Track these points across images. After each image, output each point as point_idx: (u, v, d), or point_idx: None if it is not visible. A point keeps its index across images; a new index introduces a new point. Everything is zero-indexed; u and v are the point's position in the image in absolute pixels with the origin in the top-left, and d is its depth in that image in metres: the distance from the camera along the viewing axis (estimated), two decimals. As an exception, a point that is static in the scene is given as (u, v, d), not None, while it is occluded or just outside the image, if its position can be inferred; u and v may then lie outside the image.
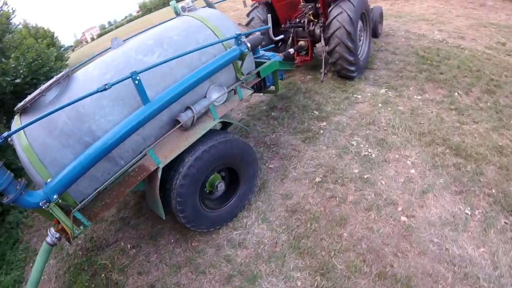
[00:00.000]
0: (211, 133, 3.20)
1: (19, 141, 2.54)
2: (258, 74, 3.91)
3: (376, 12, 7.02)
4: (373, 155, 4.11)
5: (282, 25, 5.96)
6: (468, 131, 4.39)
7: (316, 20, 5.76)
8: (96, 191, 2.58)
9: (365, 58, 5.89)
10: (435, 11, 9.17)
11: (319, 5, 5.71)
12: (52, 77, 3.08)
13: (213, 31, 3.40)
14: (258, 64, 4.05)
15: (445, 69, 5.84)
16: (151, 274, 3.28)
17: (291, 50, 5.48)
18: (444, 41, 7.00)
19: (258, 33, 3.93)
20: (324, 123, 4.77)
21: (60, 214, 2.45)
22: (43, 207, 2.32)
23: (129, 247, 3.60)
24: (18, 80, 5.66)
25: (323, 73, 5.53)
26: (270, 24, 3.97)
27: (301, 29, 5.85)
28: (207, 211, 3.38)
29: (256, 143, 4.68)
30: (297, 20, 5.94)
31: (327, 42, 5.34)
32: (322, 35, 5.56)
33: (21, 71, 5.79)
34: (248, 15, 6.15)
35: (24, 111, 2.67)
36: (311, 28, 5.73)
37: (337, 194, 3.70)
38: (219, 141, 3.17)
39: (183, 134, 3.03)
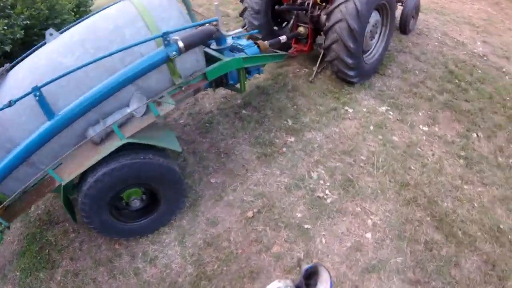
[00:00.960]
0: (122, 151, 2.69)
1: None
2: (205, 76, 3.04)
3: (410, 3, 5.50)
4: (329, 200, 3.22)
5: (276, 7, 4.72)
6: (467, 197, 3.31)
7: (323, 4, 4.50)
8: (13, 195, 2.64)
9: (376, 61, 4.65)
10: (485, 16, 7.16)
11: None
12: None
13: (146, 24, 2.71)
14: (215, 60, 3.23)
15: (473, 95, 4.51)
16: (79, 262, 3.28)
17: (282, 38, 4.38)
18: (485, 57, 5.45)
19: (207, 25, 2.98)
20: (292, 139, 3.84)
21: None
22: None
23: (70, 230, 3.53)
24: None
25: (315, 71, 4.41)
26: (219, 16, 3.01)
27: (303, 12, 4.64)
28: (120, 222, 3.13)
29: (210, 146, 3.89)
30: (300, 0, 4.71)
31: (325, 34, 4.17)
32: (327, 22, 4.37)
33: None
34: (241, 0, 5.09)
35: None
36: (315, 13, 4.50)
37: (263, 239, 2.99)
38: (124, 163, 2.66)
39: (92, 150, 2.67)
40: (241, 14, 5.11)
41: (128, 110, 2.67)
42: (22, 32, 5.10)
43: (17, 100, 2.29)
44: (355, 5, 3.85)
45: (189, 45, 2.69)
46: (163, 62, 2.68)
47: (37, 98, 2.33)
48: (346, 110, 4.20)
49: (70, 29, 3.00)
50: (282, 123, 4.02)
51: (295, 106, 4.25)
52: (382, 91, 4.53)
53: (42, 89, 2.33)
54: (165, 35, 2.55)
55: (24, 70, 2.72)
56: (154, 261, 3.10)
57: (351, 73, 4.30)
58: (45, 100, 2.39)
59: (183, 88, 2.98)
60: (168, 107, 2.76)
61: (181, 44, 2.61)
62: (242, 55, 3.56)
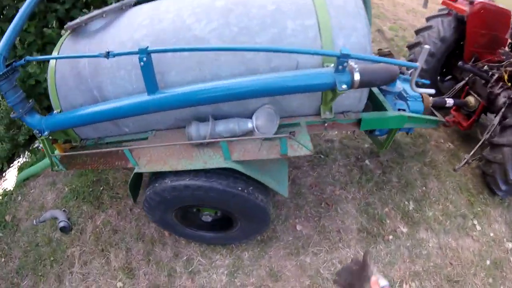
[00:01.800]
0: (218, 169, 2.12)
1: (50, 62, 2.34)
2: (358, 121, 2.27)
3: None
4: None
5: (459, 63, 3.63)
6: None
7: (509, 84, 3.40)
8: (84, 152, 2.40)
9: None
10: None
11: None
12: None
13: (318, 26, 1.97)
14: (376, 105, 2.54)
15: None
16: (123, 222, 3.17)
17: (449, 102, 3.39)
18: None
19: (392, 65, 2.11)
20: (405, 229, 3.11)
21: (46, 147, 2.32)
22: (34, 134, 2.25)
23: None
24: None
25: (465, 161, 3.47)
26: (421, 63, 2.05)
27: (481, 81, 3.56)
28: (181, 225, 2.76)
29: (313, 184, 3.22)
30: (485, 66, 3.59)
31: (504, 128, 3.20)
32: (503, 110, 3.35)
33: None
34: (427, 20, 4.05)
35: (74, 30, 2.34)
36: (496, 90, 3.43)
37: None
38: (215, 187, 2.09)
39: (186, 150, 2.14)
40: (410, 48, 4.06)
41: (249, 125, 2.01)
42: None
43: (117, 55, 1.78)
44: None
45: (366, 84, 1.88)
46: (324, 89, 1.91)
47: (142, 63, 1.76)
48: (474, 225, 3.38)
49: None
50: (403, 203, 3.26)
51: (424, 188, 3.43)
52: (520, 217, 3.64)
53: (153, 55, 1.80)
54: (343, 58, 1.73)
55: (144, 16, 2.19)
56: (194, 274, 2.81)
57: (503, 187, 3.39)
58: (151, 68, 1.81)
59: (326, 124, 2.25)
60: (301, 150, 2.01)
61: (357, 77, 1.79)
62: (404, 109, 2.72)
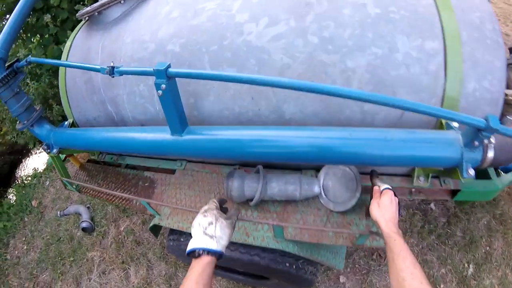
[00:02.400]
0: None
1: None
2: (452, 192, 1.69)
3: None
4: None
5: None
6: None
7: None
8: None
9: None
10: None
11: None
12: None
13: (445, 53, 1.24)
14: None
15: None
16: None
17: None
18: None
19: None
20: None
21: (57, 165, 1.93)
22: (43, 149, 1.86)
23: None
24: None
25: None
26: None
27: None
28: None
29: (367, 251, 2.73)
30: None
31: None
32: None
33: None
34: None
35: (90, 18, 1.87)
36: None
37: None
38: (255, 261, 1.60)
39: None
40: None
41: (316, 190, 1.44)
42: None
43: (125, 73, 1.21)
44: None
45: (496, 164, 1.29)
46: (441, 166, 1.33)
47: (160, 92, 1.09)
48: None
49: None
50: (462, 264, 2.74)
51: (488, 248, 2.88)
52: None
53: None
54: (488, 132, 1.03)
55: (175, 3, 1.58)
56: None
57: None
58: (176, 97, 1.16)
59: (413, 190, 1.69)
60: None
61: (490, 156, 1.21)
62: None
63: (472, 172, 1.18)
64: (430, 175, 1.55)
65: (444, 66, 1.24)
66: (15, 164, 4.82)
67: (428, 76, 1.24)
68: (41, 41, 3.50)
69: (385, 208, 1.16)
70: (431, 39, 1.25)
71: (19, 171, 4.74)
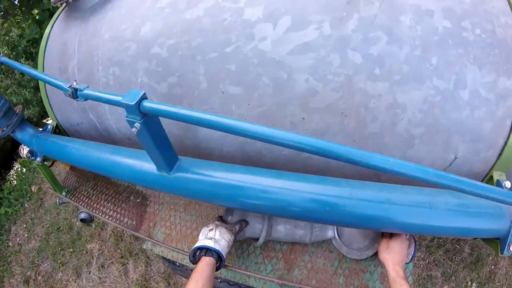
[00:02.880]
0: None
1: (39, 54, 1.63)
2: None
3: None
4: None
5: None
6: None
7: None
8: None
9: None
10: None
11: None
12: None
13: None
14: None
15: None
16: None
17: None
18: None
19: None
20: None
21: (45, 175, 1.73)
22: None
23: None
24: None
25: None
26: None
27: None
28: None
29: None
30: None
31: None
32: None
33: None
34: None
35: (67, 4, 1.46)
36: None
37: None
38: None
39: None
40: None
41: (330, 234, 1.27)
42: None
43: (89, 98, 0.93)
44: None
45: None
46: (482, 237, 1.06)
47: (135, 130, 0.82)
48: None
49: None
50: (466, 282, 2.65)
51: (493, 267, 2.75)
52: None
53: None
54: None
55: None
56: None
57: None
58: (159, 131, 0.89)
59: None
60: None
61: None
62: None
63: None
64: None
65: None
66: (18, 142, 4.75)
67: (492, 123, 0.95)
68: (36, 17, 3.31)
69: (394, 250, 1.06)
70: (506, 75, 0.93)
71: (22, 149, 4.68)
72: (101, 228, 3.06)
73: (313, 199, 0.91)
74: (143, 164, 1.05)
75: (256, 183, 0.94)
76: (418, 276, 2.59)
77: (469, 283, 2.70)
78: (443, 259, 2.69)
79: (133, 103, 0.76)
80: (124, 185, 1.79)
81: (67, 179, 1.98)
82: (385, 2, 0.93)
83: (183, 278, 2.64)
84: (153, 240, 1.51)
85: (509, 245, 0.98)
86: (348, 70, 0.92)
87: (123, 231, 2.97)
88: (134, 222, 1.63)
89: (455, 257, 2.71)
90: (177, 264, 1.63)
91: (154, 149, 0.91)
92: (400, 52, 0.90)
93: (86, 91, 0.93)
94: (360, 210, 0.91)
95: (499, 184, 1.02)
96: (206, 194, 1.01)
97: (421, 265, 2.64)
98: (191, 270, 1.26)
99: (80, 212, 3.07)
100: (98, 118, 1.41)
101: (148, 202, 1.66)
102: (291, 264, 1.33)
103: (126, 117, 0.81)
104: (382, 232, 1.16)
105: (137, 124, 0.80)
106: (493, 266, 2.83)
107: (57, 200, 3.30)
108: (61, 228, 3.18)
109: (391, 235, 1.12)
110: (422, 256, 2.67)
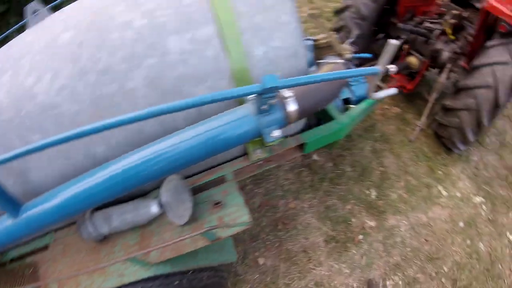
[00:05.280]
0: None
1: None
2: (300, 146, 1.75)
3: None
4: None
5: (400, 25, 3.21)
6: None
7: (453, 37, 3.11)
8: None
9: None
10: None
11: (475, 23, 3.01)
12: None
13: (221, 34, 1.29)
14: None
15: None
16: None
17: (392, 68, 3.00)
18: None
19: (339, 65, 1.61)
20: (373, 223, 2.77)
21: None
22: None
23: None
24: None
25: (418, 128, 3.16)
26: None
27: (422, 38, 3.22)
28: None
29: (263, 203, 2.73)
30: (424, 22, 3.24)
31: (457, 91, 2.89)
32: (449, 64, 3.07)
33: None
34: None
35: None
36: (439, 45, 3.12)
37: None
38: None
39: (89, 255, 1.50)
40: (338, 12, 3.51)
41: (153, 210, 1.40)
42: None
43: None
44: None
45: (307, 113, 1.33)
46: (245, 142, 1.29)
47: None
48: (439, 191, 3.13)
49: (69, 8, 1.53)
50: (363, 193, 2.90)
51: (381, 169, 3.10)
52: (478, 169, 3.45)
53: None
54: (268, 93, 1.06)
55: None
56: None
57: (462, 146, 3.16)
58: None
59: (259, 163, 1.72)
60: (236, 227, 1.38)
61: (293, 109, 1.23)
62: (349, 97, 2.28)
63: (277, 133, 1.21)
64: (262, 144, 1.55)
65: (222, 47, 1.25)
66: None
67: (208, 61, 1.25)
68: None
69: None
70: (203, 26, 1.25)
71: None
72: None
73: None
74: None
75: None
76: (318, 213, 2.73)
77: (367, 191, 2.94)
78: (331, 187, 2.89)
79: None
80: (18, 265, 1.65)
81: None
82: (100, 32, 1.27)
83: None
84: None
85: (270, 133, 1.21)
86: (91, 89, 1.25)
87: None
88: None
89: (341, 181, 2.94)
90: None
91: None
92: (116, 57, 1.24)
93: None
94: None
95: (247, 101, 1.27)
96: (48, 218, 1.16)
97: (315, 204, 2.78)
98: None
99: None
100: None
101: (38, 267, 1.57)
102: (147, 249, 1.36)
103: None
104: None
105: None
106: (381, 168, 3.13)
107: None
108: None
109: None
110: (313, 196, 2.82)
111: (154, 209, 1.39)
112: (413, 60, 3.29)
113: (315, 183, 2.86)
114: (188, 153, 1.16)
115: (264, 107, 1.18)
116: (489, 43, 2.72)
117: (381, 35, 3.80)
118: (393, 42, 1.25)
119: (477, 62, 2.74)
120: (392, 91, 1.56)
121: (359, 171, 3.01)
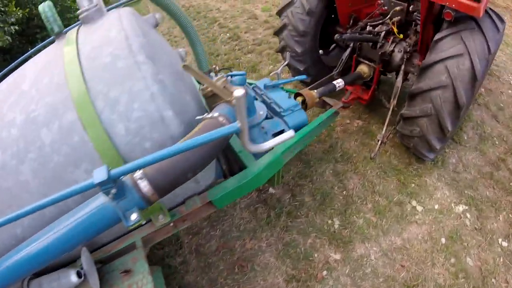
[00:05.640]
0: None
1: None
2: (209, 203, 1.63)
3: None
4: None
5: (337, 36, 2.77)
6: None
7: (400, 35, 2.89)
8: None
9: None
10: None
11: (419, 14, 2.78)
12: None
13: (80, 119, 1.28)
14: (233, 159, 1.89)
15: None
16: None
17: (338, 83, 2.82)
18: None
19: (214, 120, 1.40)
20: (338, 256, 2.54)
21: None
22: None
23: None
24: None
25: (379, 142, 2.91)
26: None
27: (369, 44, 3.00)
28: None
29: (219, 246, 2.58)
30: (368, 25, 3.03)
31: (412, 97, 2.66)
32: (403, 66, 2.85)
33: None
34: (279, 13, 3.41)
35: None
36: (388, 47, 2.90)
37: None
38: None
39: None
40: (277, 33, 3.39)
41: (73, 280, 1.37)
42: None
43: None
44: (472, 64, 2.33)
45: (173, 186, 1.22)
46: (115, 223, 1.19)
47: None
48: (414, 207, 2.86)
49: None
50: (325, 223, 2.68)
51: (344, 192, 2.87)
52: (457, 173, 3.17)
53: None
54: (106, 186, 1.03)
55: None
56: None
57: (431, 155, 2.91)
58: None
59: (171, 224, 1.63)
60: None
61: (147, 189, 1.14)
62: (282, 130, 2.13)
63: (134, 216, 1.15)
64: (164, 207, 1.49)
65: (84, 130, 1.26)
66: None
67: (77, 146, 1.27)
68: None
69: None
70: (66, 113, 1.27)
71: None
72: None
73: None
74: None
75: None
76: (276, 251, 2.53)
77: (329, 221, 2.72)
78: (290, 221, 2.69)
79: None
80: None
81: None
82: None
83: None
84: None
85: (129, 216, 1.14)
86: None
87: None
88: None
89: (300, 213, 2.74)
90: None
91: None
92: (6, 155, 1.31)
93: None
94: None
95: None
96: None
97: (272, 242, 2.58)
98: None
99: None
100: None
101: None
102: None
103: None
104: None
105: None
106: (344, 192, 2.91)
107: None
108: None
109: None
110: (270, 234, 2.62)
111: (73, 278, 1.38)
112: (363, 68, 3.09)
113: (271, 219, 2.68)
114: (63, 240, 1.17)
115: (111, 195, 1.07)
116: (437, 36, 2.49)
117: (332, 46, 3.63)
118: (239, 95, 1.03)
119: (427, 60, 2.50)
120: (289, 134, 1.28)
121: (320, 200, 2.79)
